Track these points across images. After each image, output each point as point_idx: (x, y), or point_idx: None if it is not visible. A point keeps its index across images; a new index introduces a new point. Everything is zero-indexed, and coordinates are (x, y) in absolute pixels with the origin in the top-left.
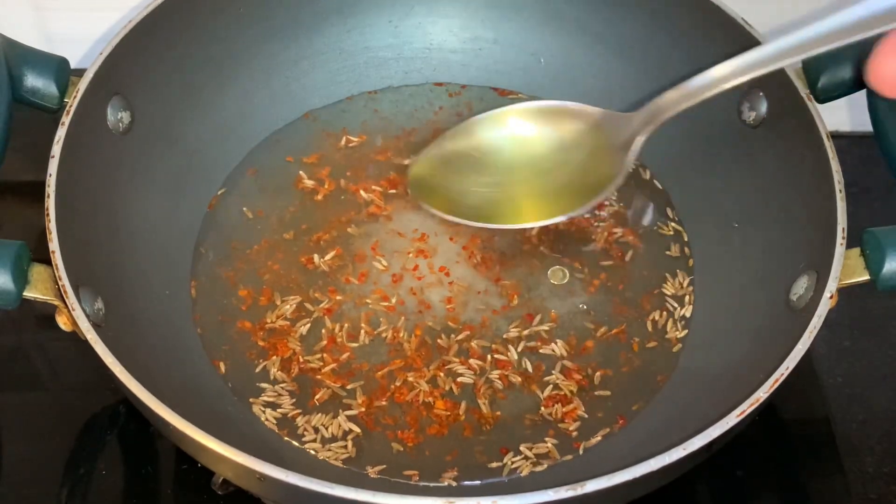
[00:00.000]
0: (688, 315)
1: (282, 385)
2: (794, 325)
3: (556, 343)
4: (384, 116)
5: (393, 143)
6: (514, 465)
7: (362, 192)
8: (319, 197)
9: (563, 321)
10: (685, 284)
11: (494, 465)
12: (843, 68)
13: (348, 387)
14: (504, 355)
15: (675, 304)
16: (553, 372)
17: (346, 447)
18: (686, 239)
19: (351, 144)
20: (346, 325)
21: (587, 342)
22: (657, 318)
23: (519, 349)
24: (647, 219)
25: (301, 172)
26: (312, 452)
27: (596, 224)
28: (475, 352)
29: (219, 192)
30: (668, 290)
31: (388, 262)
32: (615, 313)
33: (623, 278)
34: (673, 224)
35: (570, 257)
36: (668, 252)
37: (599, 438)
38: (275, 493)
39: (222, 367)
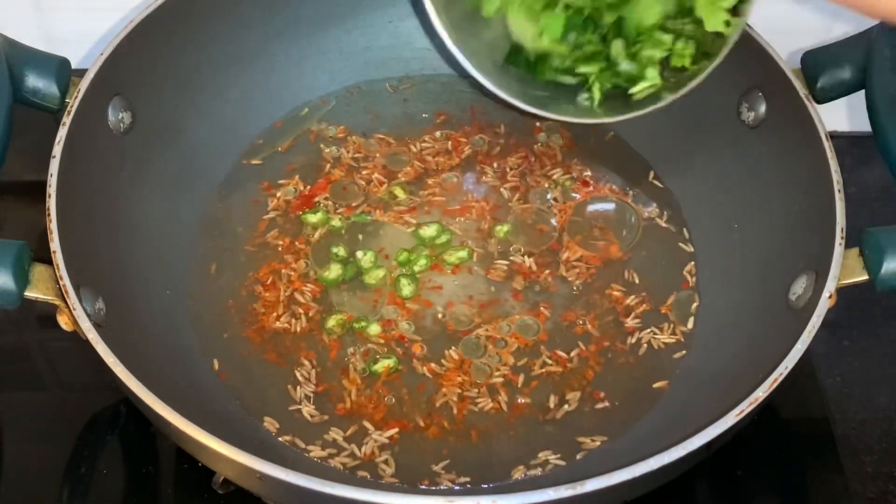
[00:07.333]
0: (688, 315)
1: (281, 384)
2: (794, 324)
3: (557, 346)
4: (385, 116)
5: (394, 142)
6: (513, 467)
7: (363, 191)
8: (320, 196)
9: (565, 322)
10: (685, 284)
11: (494, 466)
12: (842, 69)
13: (348, 387)
14: (503, 359)
15: (676, 304)
16: (555, 376)
17: (345, 447)
18: (686, 239)
19: (352, 144)
20: (345, 325)
21: (588, 342)
22: (657, 317)
23: (517, 353)
24: (647, 219)
25: (302, 172)
26: (312, 452)
27: (597, 224)
28: (478, 353)
29: (219, 192)
30: (668, 289)
31: (391, 261)
32: (615, 313)
33: (624, 276)
34: (673, 224)
35: (572, 259)
36: (668, 252)
37: (600, 439)
38: (275, 493)
39: (222, 366)
